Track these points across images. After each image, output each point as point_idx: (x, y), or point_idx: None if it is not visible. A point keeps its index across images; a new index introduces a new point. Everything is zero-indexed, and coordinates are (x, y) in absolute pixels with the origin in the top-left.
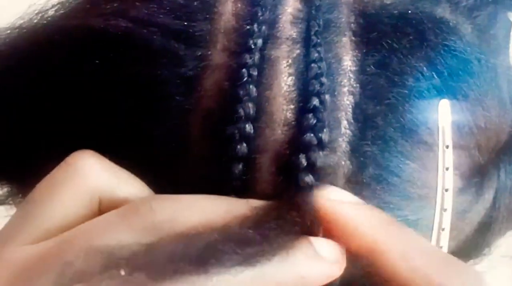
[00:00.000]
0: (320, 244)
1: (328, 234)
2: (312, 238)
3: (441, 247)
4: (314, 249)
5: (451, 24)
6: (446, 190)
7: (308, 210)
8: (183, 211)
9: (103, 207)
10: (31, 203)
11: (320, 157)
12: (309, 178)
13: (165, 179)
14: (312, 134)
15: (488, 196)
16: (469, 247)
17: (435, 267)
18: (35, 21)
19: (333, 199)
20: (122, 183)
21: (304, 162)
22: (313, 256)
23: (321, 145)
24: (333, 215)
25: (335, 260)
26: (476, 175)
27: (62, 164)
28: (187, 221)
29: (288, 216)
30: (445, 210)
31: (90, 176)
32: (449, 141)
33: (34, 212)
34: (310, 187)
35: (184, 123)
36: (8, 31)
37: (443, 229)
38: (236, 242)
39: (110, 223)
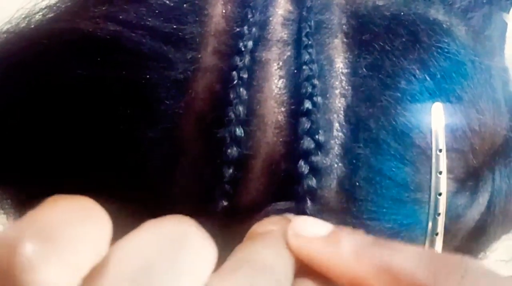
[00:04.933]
0: None
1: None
2: None
3: None
4: None
5: (444, 25)
6: (440, 194)
7: None
8: None
9: None
10: None
11: (320, 160)
12: (313, 182)
13: (157, 182)
14: (309, 138)
15: (483, 199)
16: (464, 251)
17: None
18: (23, 25)
19: (302, 237)
20: None
21: (306, 167)
22: None
23: (319, 147)
24: (306, 256)
25: None
26: (471, 178)
27: None
28: None
29: None
30: (439, 214)
31: None
32: (442, 145)
33: None
34: (315, 190)
35: (175, 127)
36: None
37: (436, 234)
38: None
39: None
